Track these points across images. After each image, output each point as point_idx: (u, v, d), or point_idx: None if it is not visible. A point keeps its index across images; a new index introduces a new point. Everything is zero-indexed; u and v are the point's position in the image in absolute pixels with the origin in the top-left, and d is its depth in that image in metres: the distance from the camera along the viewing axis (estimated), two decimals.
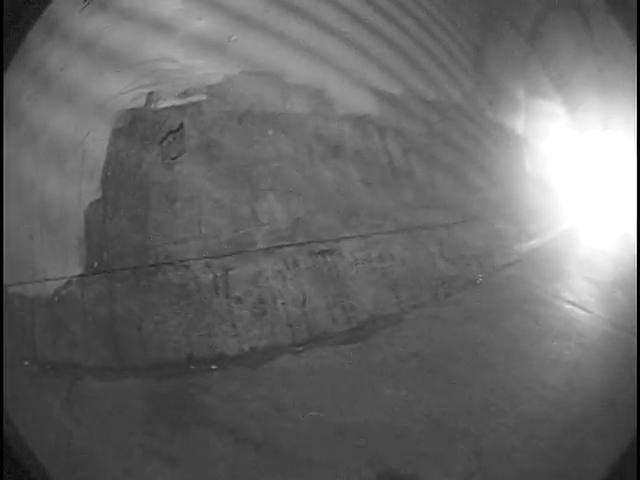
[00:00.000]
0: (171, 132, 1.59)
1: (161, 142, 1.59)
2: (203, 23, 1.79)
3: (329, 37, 1.82)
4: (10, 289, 1.61)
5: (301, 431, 1.10)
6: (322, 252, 1.54)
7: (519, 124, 2.71)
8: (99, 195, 1.59)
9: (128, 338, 1.43)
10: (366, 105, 1.82)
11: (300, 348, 1.38)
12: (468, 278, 1.96)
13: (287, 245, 1.52)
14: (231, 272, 1.46)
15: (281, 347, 1.37)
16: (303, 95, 1.68)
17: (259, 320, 1.40)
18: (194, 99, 1.64)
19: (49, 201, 1.69)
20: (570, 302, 2.28)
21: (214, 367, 1.33)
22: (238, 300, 1.43)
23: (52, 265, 1.62)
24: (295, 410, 1.16)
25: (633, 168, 3.36)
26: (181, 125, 1.60)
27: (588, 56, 3.05)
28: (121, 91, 1.68)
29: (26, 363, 1.51)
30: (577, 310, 2.21)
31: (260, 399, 1.21)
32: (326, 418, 1.14)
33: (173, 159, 1.57)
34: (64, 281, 1.57)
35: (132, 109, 1.66)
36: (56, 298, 1.57)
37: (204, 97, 1.65)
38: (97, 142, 1.65)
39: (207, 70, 1.67)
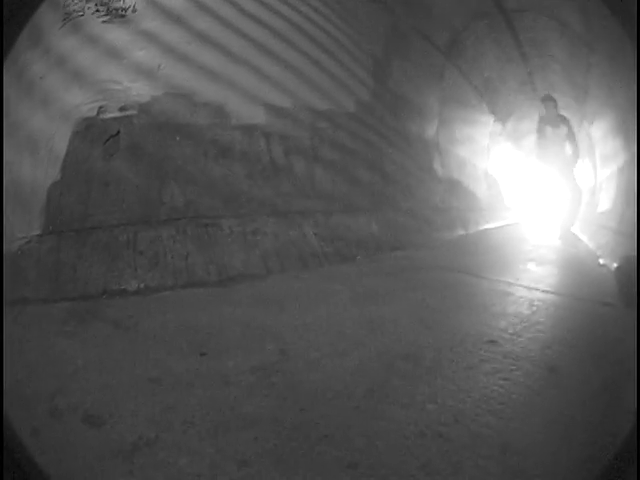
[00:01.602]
0: (111, 136, 2.68)
1: (104, 143, 2.68)
2: (143, 53, 2.85)
3: (233, 63, 2.86)
4: None
5: (156, 323, 2.09)
6: (205, 225, 2.59)
7: (429, 130, 3.66)
8: (59, 178, 2.66)
9: (65, 278, 2.43)
10: (256, 117, 2.85)
11: (179, 289, 2.41)
12: (345, 255, 2.96)
13: (180, 218, 2.59)
14: (139, 234, 2.52)
15: (166, 287, 2.40)
16: (206, 110, 2.73)
17: (153, 267, 2.45)
18: (129, 113, 2.73)
19: (23, 180, 2.69)
20: (455, 269, 3.00)
21: (118, 297, 2.36)
22: (141, 253, 2.48)
23: (19, 228, 2.57)
24: (159, 314, 2.15)
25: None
26: (118, 132, 2.70)
27: (516, 62, 3.90)
28: (81, 103, 2.74)
29: None
30: (460, 275, 2.94)
31: (140, 310, 2.21)
32: (177, 319, 2.13)
33: (111, 156, 2.66)
34: (26, 240, 2.54)
35: (87, 118, 2.74)
36: (19, 252, 2.52)
37: (135, 112, 2.75)
38: (61, 139, 2.72)
39: (140, 91, 2.76)
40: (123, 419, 1.49)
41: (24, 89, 3.00)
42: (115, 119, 2.72)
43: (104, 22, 2.92)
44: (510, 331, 2.14)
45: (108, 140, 2.69)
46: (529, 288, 2.79)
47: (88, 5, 2.95)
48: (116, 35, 2.88)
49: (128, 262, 2.49)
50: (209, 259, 2.56)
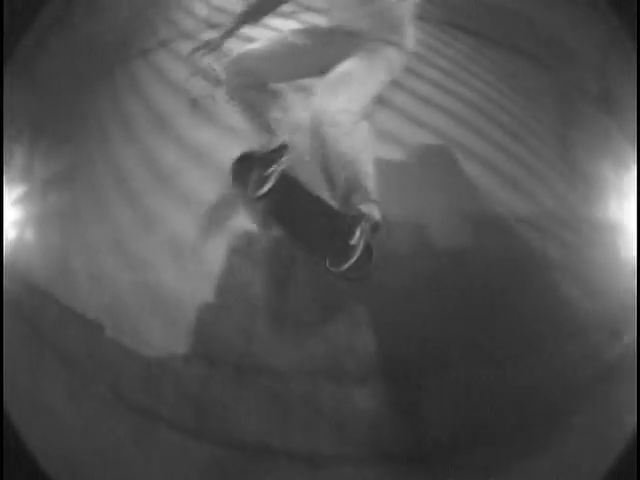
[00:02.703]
0: (283, 261, 2.36)
1: (273, 268, 2.37)
2: None
3: (423, 165, 2.49)
4: (109, 333, 2.34)
5: None
6: (407, 385, 2.19)
7: (611, 207, 3.10)
8: (211, 299, 2.38)
9: (214, 415, 2.14)
10: (463, 235, 2.46)
11: (367, 465, 2.05)
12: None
13: (375, 375, 2.20)
14: (322, 389, 2.17)
15: (349, 459, 2.06)
16: (404, 232, 2.40)
17: (335, 432, 2.10)
18: None
19: (163, 284, 2.45)
20: None
21: (282, 458, 2.05)
22: (321, 413, 2.13)
23: (157, 336, 2.33)
24: None
25: None
26: (293, 255, 2.37)
27: None
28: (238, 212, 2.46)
29: (102, 388, 2.18)
30: None
31: None
32: None
33: (283, 285, 2.34)
34: (166, 352, 2.29)
35: (248, 232, 2.50)
36: (158, 361, 2.28)
37: None
38: (214, 252, 2.46)
39: None
40: None
41: (156, 178, 2.81)
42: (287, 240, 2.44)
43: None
44: None
45: (279, 264, 2.39)
46: None
47: (219, 92, 2.66)
48: None
49: (302, 421, 2.13)
50: (409, 429, 2.15)
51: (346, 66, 2.23)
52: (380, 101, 2.74)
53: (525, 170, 2.87)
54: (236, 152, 2.76)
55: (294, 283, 2.39)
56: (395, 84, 2.87)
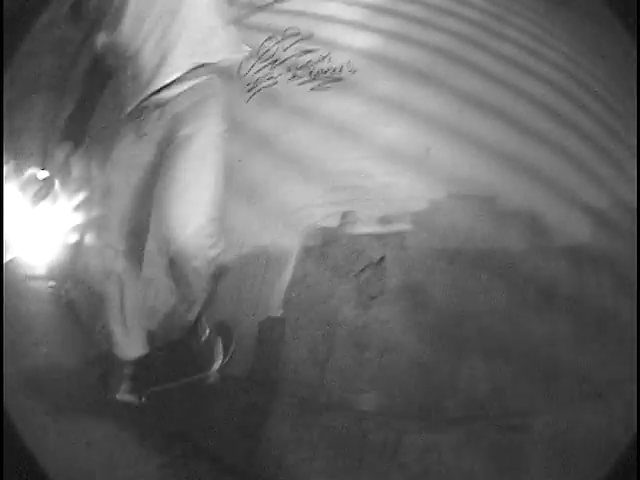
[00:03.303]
0: (370, 265, 1.82)
1: (357, 275, 1.81)
2: (393, 130, 1.98)
3: (533, 141, 1.91)
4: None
5: None
6: (511, 428, 1.61)
7: None
8: (279, 313, 1.89)
9: (269, 456, 1.69)
10: (581, 231, 1.87)
11: None
12: None
13: (477, 417, 1.64)
14: (405, 437, 1.63)
15: None
16: (518, 225, 1.81)
17: None
18: (396, 228, 1.85)
19: None
20: None
21: None
22: (402, 466, 1.59)
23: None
24: None
25: None
26: (382, 259, 1.82)
27: None
28: (310, 203, 1.95)
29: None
30: None
31: None
32: None
33: (371, 299, 1.79)
34: (219, 375, 1.81)
35: (324, 228, 1.91)
36: (209, 384, 1.80)
37: (408, 227, 1.85)
38: (282, 255, 1.93)
39: (408, 192, 1.87)
40: None
41: None
42: (374, 237, 1.84)
43: (313, 90, 2.14)
44: None
45: (364, 270, 1.82)
46: None
47: (278, 71, 2.23)
48: (339, 105, 2.07)
49: (377, 473, 1.61)
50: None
51: (178, 171, 1.59)
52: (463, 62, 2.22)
53: (624, 147, 2.11)
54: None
55: (384, 298, 1.78)
56: (478, 45, 2.33)
